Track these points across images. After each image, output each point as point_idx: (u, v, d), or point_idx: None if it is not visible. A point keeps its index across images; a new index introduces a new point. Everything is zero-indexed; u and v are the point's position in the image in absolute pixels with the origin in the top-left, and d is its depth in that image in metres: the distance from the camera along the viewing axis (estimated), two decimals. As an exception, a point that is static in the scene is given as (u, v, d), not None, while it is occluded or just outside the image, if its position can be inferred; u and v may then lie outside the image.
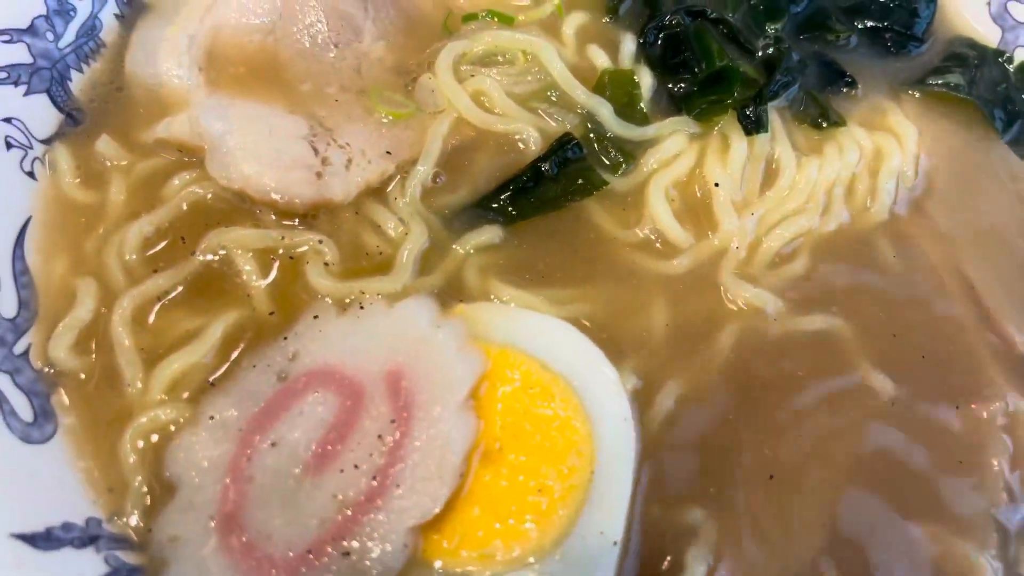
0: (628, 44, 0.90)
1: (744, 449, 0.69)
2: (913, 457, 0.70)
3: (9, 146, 0.73)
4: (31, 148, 0.75)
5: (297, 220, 0.78)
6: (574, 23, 0.92)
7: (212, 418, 0.67)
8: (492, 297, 0.75)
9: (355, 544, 0.62)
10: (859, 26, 0.97)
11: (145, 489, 0.65)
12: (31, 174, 0.75)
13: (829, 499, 0.67)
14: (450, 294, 0.75)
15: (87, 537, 0.62)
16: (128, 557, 0.62)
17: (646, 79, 0.87)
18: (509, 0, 0.95)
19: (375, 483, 0.63)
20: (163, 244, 0.75)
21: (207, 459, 0.65)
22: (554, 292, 0.76)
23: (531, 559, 0.63)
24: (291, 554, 0.62)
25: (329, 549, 0.62)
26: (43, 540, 0.60)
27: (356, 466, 0.64)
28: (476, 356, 0.68)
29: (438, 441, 0.65)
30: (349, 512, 0.63)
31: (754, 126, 0.83)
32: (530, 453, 0.65)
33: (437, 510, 0.62)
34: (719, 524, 0.67)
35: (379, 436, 0.65)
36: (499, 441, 0.66)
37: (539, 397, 0.67)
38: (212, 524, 0.63)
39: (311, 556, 0.61)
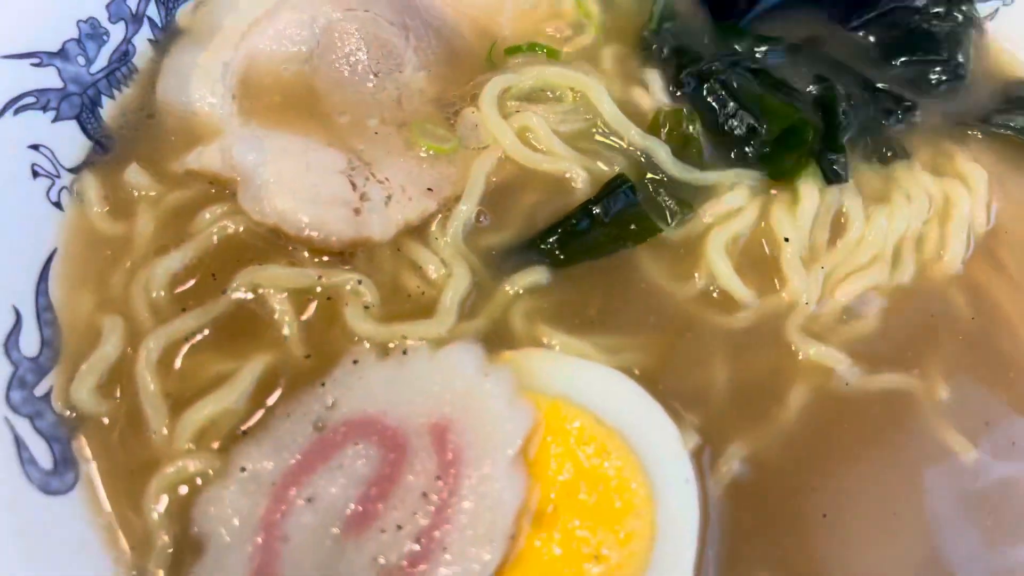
0: (656, 82, 0.88)
1: (814, 513, 0.65)
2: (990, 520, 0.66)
3: (36, 175, 0.70)
4: (58, 177, 0.72)
5: (331, 258, 0.74)
6: (611, 57, 0.90)
7: (244, 470, 0.62)
8: (540, 342, 0.71)
9: None
10: (895, 63, 0.95)
11: (170, 548, 0.60)
12: (58, 204, 0.71)
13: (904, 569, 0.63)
14: (496, 339, 0.71)
15: None
16: None
17: (698, 123, 0.84)
18: (546, 29, 0.92)
19: (419, 547, 0.59)
20: (192, 281, 0.72)
21: (238, 515, 0.61)
22: (605, 339, 0.72)
23: None
24: None
25: None
26: None
27: (399, 527, 0.60)
28: (527, 409, 0.64)
29: (487, 501, 0.60)
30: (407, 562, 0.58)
31: (836, 176, 0.80)
32: (585, 516, 0.61)
33: None
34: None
35: (424, 494, 0.61)
36: (552, 503, 0.62)
37: (594, 454, 0.63)
38: (244, 588, 0.59)
39: None
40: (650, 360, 0.71)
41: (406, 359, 0.68)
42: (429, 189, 0.79)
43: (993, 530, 0.66)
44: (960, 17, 0.95)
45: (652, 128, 0.83)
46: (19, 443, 0.60)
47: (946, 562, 0.65)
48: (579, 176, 0.80)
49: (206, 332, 0.69)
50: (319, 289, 0.72)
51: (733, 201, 0.80)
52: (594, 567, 0.60)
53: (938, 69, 0.92)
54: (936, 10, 0.95)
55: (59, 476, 0.61)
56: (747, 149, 0.83)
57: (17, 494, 0.58)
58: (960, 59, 0.93)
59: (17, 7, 0.71)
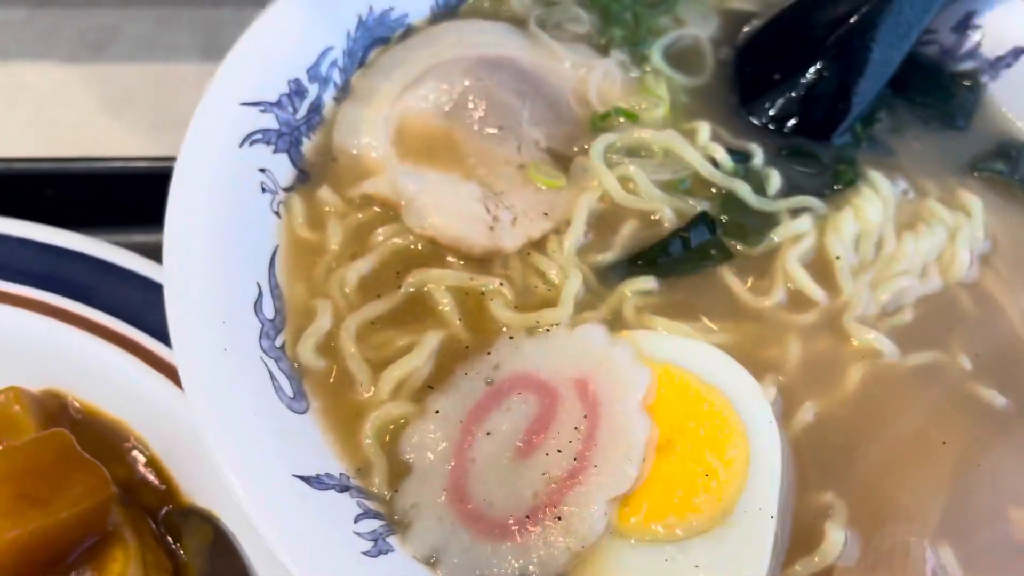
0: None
1: (868, 450, 0.86)
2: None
3: (264, 190, 0.92)
4: (277, 193, 0.94)
5: (475, 264, 0.96)
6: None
7: (437, 412, 0.82)
8: (647, 327, 0.92)
9: (564, 510, 0.77)
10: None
11: (385, 466, 0.80)
12: (277, 213, 0.93)
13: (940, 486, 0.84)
14: (612, 325, 0.92)
15: (342, 486, 0.77)
16: (374, 506, 0.78)
17: (775, 178, 1.06)
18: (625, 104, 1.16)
19: (575, 463, 0.79)
20: (375, 279, 0.93)
21: (436, 444, 0.81)
22: (701, 324, 0.94)
23: (705, 529, 0.77)
24: (511, 519, 0.76)
25: (542, 516, 0.77)
26: (315, 481, 0.75)
27: (559, 450, 0.80)
28: (646, 368, 0.85)
29: (623, 431, 0.81)
30: (556, 486, 0.78)
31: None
32: (696, 444, 0.81)
33: (628, 485, 0.78)
34: (849, 503, 0.83)
35: (575, 427, 0.81)
36: (669, 436, 0.82)
37: (699, 401, 0.84)
38: (444, 495, 0.78)
39: (528, 520, 0.76)
40: (738, 340, 0.92)
41: (549, 335, 0.89)
42: (546, 214, 1.02)
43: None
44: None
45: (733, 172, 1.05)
46: (272, 375, 0.80)
47: (983, 478, 0.86)
48: (668, 214, 1.01)
49: (390, 316, 0.90)
50: (472, 286, 0.93)
51: (801, 226, 1.02)
52: (706, 481, 0.79)
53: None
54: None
55: (297, 402, 0.81)
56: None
57: (273, 408, 0.78)
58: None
59: (251, 68, 0.95)
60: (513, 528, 0.76)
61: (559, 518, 0.76)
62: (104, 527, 0.87)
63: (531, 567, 0.75)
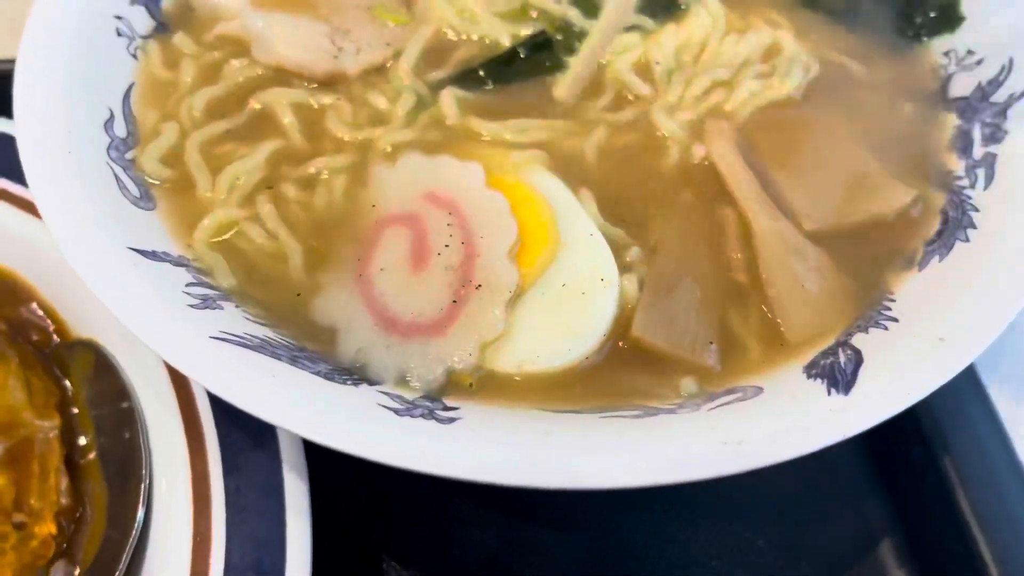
0: None
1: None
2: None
3: (119, 34, 1.06)
4: (134, 39, 1.08)
5: (317, 86, 1.08)
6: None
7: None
8: (470, 128, 1.03)
9: (480, 277, 0.88)
10: None
11: (221, 260, 0.92)
12: (134, 56, 1.07)
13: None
14: (440, 129, 1.04)
15: (179, 263, 0.89)
16: (209, 279, 0.90)
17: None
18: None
19: (464, 246, 0.90)
20: (224, 104, 1.06)
21: (347, 298, 0.91)
22: (518, 122, 1.04)
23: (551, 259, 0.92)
24: (441, 314, 0.88)
25: (463, 291, 0.88)
26: (151, 255, 0.87)
27: (446, 245, 0.90)
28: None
29: (491, 213, 0.92)
30: (461, 269, 0.89)
31: None
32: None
33: (514, 238, 0.90)
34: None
35: (448, 224, 0.92)
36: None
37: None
38: (373, 323, 0.88)
39: (456, 304, 0.88)
40: (551, 136, 1.03)
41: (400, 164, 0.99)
42: (388, 44, 1.14)
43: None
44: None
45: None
46: (117, 177, 0.93)
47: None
48: (503, 40, 1.12)
49: (236, 131, 1.03)
50: (311, 103, 1.06)
51: (629, 40, 1.12)
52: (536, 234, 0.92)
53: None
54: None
55: (144, 201, 0.94)
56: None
57: (116, 201, 0.91)
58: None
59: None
60: (446, 321, 0.87)
61: (479, 286, 0.88)
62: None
63: (480, 337, 0.86)
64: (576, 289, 0.90)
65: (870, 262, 0.96)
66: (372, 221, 0.96)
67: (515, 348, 0.88)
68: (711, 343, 0.90)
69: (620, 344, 0.90)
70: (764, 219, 0.97)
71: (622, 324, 0.90)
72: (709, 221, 0.99)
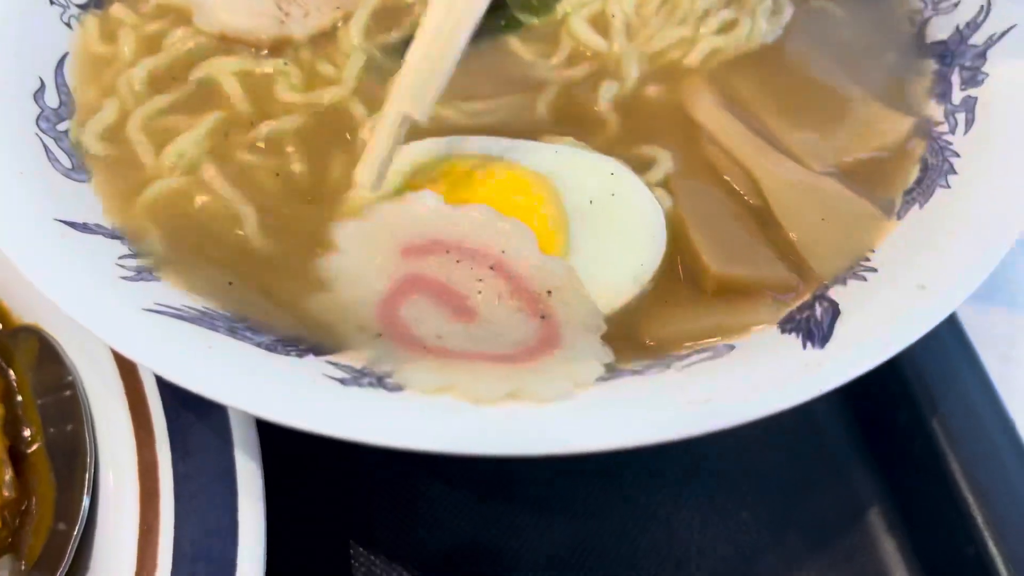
0: None
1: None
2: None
3: (52, 2, 1.02)
4: (68, 8, 1.03)
5: (266, 52, 1.03)
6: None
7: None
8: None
9: (539, 285, 0.82)
10: None
11: (159, 233, 0.87)
12: (68, 24, 1.02)
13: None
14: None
15: (113, 234, 0.85)
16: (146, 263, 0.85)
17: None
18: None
19: (494, 271, 0.83)
20: (167, 77, 1.01)
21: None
22: (468, 106, 0.99)
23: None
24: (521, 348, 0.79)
25: (541, 305, 0.81)
26: (81, 227, 0.83)
27: (480, 280, 0.82)
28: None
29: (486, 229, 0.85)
30: (516, 292, 0.82)
31: None
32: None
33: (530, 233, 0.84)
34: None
35: (457, 263, 0.83)
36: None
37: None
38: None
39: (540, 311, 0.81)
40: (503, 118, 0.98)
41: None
42: (337, 7, 1.09)
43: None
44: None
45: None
46: (47, 148, 0.88)
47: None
48: None
49: (179, 105, 0.98)
50: (256, 69, 1.01)
51: None
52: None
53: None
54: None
55: (76, 172, 0.89)
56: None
57: (44, 173, 0.87)
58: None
59: None
60: (551, 335, 0.80)
61: (549, 292, 0.81)
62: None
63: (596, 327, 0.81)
64: (611, 202, 0.89)
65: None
66: (372, 308, 0.83)
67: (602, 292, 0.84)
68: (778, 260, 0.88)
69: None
70: (769, 166, 0.94)
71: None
72: (701, 160, 0.96)
